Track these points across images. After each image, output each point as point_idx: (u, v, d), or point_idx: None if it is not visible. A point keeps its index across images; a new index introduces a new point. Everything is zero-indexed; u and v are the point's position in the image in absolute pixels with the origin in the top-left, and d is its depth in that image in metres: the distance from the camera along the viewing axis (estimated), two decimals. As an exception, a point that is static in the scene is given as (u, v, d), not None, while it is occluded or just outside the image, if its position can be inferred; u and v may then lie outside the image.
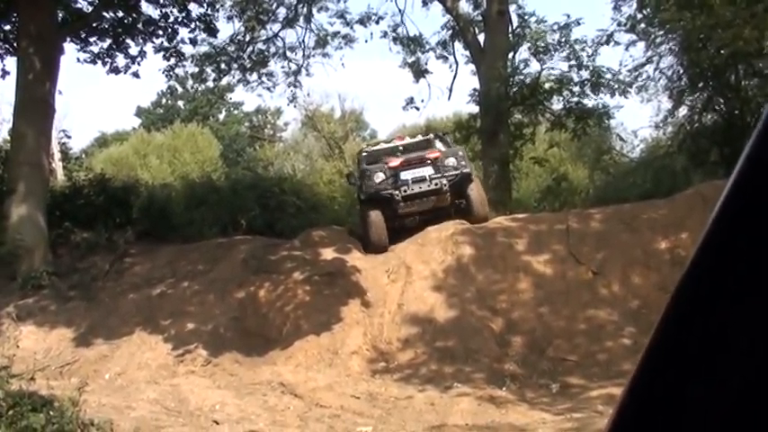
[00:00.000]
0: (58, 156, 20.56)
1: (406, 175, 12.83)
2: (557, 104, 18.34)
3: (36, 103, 14.13)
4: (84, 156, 28.13)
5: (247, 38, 20.67)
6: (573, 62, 17.42)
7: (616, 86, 17.21)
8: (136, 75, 17.59)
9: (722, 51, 14.35)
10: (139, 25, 17.01)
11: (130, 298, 12.45)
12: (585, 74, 17.25)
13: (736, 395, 0.75)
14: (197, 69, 20.76)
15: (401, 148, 14.41)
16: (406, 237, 12.98)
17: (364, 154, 14.76)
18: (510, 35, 18.83)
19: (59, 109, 16.98)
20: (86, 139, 45.46)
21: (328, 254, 12.82)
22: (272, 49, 21.44)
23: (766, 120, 0.75)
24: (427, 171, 12.87)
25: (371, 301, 11.49)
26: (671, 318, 0.80)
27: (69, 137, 22.08)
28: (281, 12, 20.82)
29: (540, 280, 11.48)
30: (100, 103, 64.23)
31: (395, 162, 13.13)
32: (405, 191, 12.74)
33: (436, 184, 12.73)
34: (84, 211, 15.28)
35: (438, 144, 14.46)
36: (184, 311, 11.82)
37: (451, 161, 13.05)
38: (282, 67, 21.89)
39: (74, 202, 15.70)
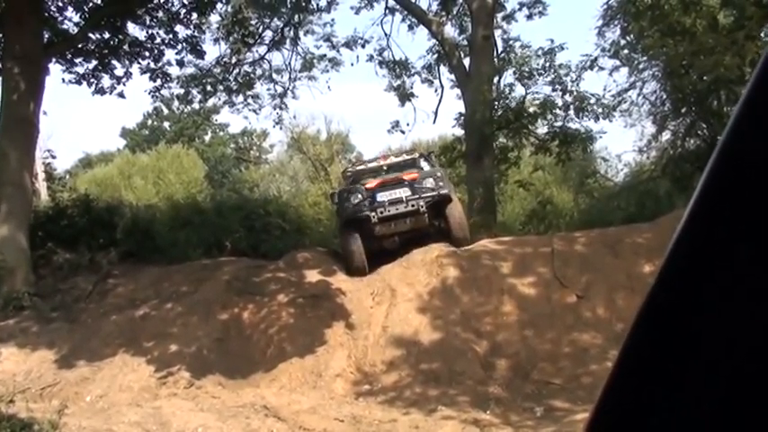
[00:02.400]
0: (42, 176, 20.46)
1: (382, 197, 12.81)
2: (541, 128, 18.48)
3: (20, 123, 14.07)
4: (68, 176, 28.04)
5: (234, 60, 20.73)
6: (557, 87, 17.57)
7: (600, 111, 17.34)
8: (121, 95, 17.63)
9: (704, 78, 14.53)
10: (125, 46, 17.04)
11: (113, 319, 12.33)
12: (569, 98, 17.39)
13: (706, 403, 0.76)
14: (183, 91, 20.77)
15: (385, 167, 14.43)
16: (391, 260, 12.97)
17: (348, 173, 14.81)
18: (495, 60, 19.01)
19: (44, 129, 16.95)
20: (71, 159, 45.22)
21: (313, 276, 12.79)
22: (259, 72, 21.54)
23: (731, 129, 0.76)
24: (404, 192, 12.83)
25: (356, 324, 11.45)
26: (640, 326, 0.81)
27: (54, 156, 22.05)
28: (268, 35, 20.95)
29: (525, 303, 11.49)
30: (85, 123, 64.05)
31: (371, 183, 13.15)
32: (381, 212, 12.70)
33: (413, 206, 12.70)
34: (68, 232, 15.15)
35: (423, 164, 14.47)
36: (167, 333, 11.72)
37: (429, 182, 13.01)
38: (268, 90, 22.01)
39: (57, 222, 15.57)
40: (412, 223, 12.98)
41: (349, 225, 13.06)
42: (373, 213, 12.68)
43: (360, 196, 12.95)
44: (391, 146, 35.58)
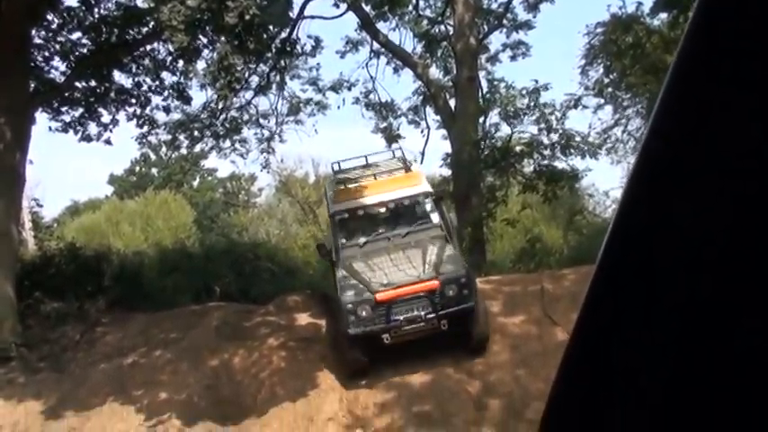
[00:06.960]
0: (28, 225, 20.37)
1: (397, 314, 10.95)
2: (528, 167, 18.54)
3: (6, 172, 14.01)
4: (55, 224, 27.92)
5: (220, 105, 20.76)
6: (542, 126, 17.67)
7: (586, 149, 17.44)
8: (108, 142, 17.57)
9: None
10: (112, 94, 17.06)
11: (101, 368, 12.21)
12: (555, 137, 17.48)
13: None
14: (170, 137, 20.72)
15: (383, 209, 12.81)
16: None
17: (334, 184, 13.40)
18: (480, 100, 19.16)
19: (31, 177, 16.89)
20: (59, 207, 45.04)
21: (303, 319, 12.73)
22: (246, 117, 21.56)
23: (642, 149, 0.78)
24: (422, 310, 10.93)
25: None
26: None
27: (41, 205, 21.94)
28: (254, 80, 21.03)
29: (516, 341, 11.45)
30: (73, 171, 63.97)
31: (382, 294, 11.00)
32: (395, 333, 10.96)
33: (433, 324, 10.93)
34: (55, 281, 15.04)
35: (428, 207, 12.81)
36: (157, 381, 11.60)
37: (452, 290, 11.01)
38: (256, 134, 22.02)
39: (44, 271, 15.46)
40: (429, 331, 11.10)
41: (354, 339, 11.09)
42: (386, 335, 10.95)
43: (369, 309, 10.98)
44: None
